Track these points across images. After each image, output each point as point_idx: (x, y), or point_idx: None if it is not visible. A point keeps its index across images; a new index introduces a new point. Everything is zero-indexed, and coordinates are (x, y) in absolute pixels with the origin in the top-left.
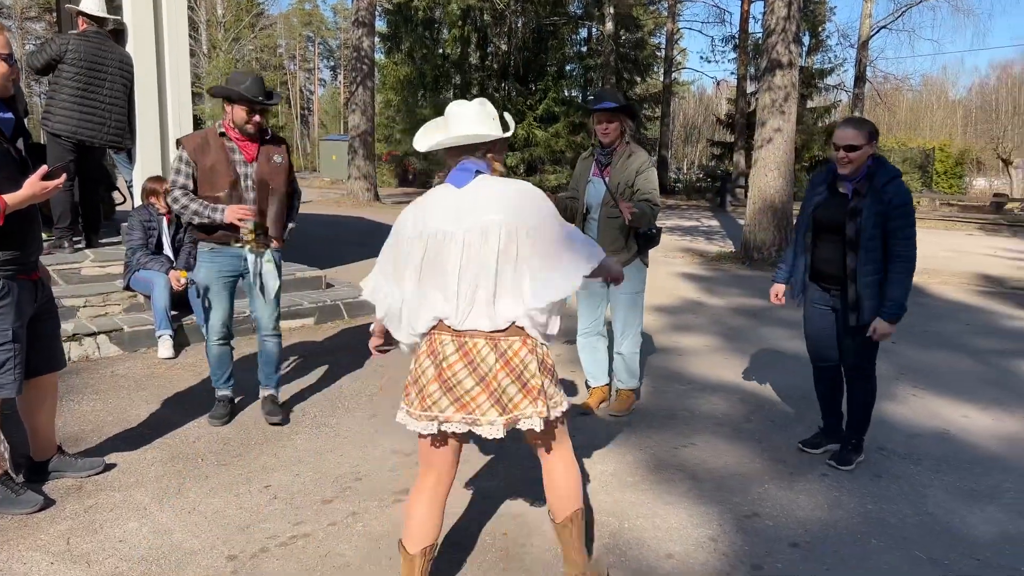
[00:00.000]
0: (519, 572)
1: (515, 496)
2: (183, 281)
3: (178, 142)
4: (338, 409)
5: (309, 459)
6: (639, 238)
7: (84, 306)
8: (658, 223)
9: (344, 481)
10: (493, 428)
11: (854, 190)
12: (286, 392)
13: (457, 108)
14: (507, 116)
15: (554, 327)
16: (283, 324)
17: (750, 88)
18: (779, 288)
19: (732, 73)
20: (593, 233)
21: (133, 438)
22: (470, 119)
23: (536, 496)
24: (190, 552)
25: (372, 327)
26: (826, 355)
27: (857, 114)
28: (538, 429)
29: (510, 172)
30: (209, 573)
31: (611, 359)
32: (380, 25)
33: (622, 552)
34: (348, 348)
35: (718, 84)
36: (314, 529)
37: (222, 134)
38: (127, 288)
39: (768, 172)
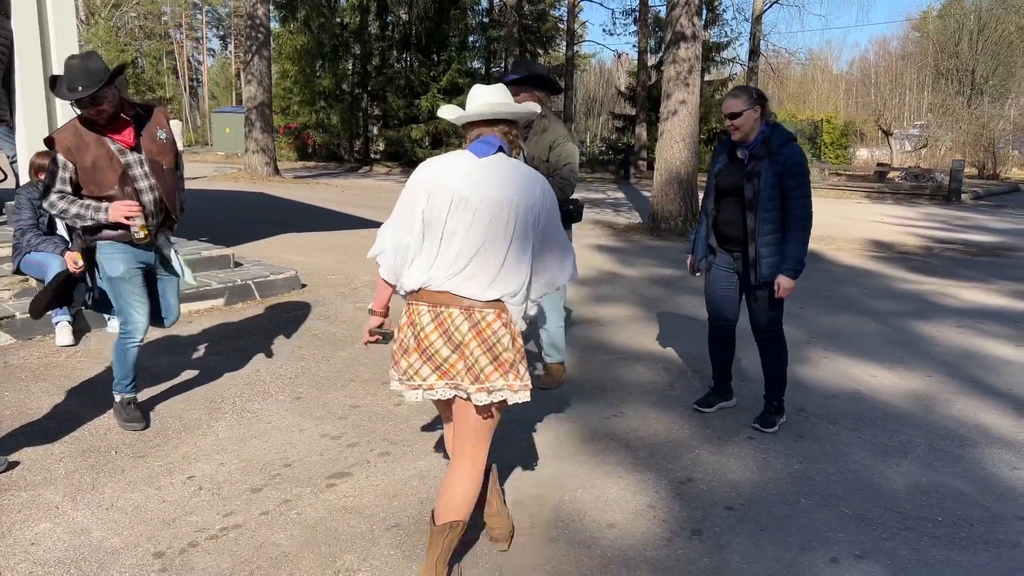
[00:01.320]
0: (463, 551)
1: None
2: (81, 263)
3: (47, 140)
4: (258, 394)
5: (232, 447)
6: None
7: None
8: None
9: (272, 468)
10: (478, 396)
11: (750, 154)
12: (202, 378)
13: (480, 88)
14: (532, 104)
15: (532, 310)
16: (192, 306)
17: (651, 61)
18: (694, 258)
19: (633, 46)
20: None
21: (36, 432)
22: (496, 94)
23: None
24: (112, 551)
25: (372, 305)
26: (724, 315)
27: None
28: (512, 402)
29: (414, 145)
30: (135, 572)
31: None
32: None
33: (565, 525)
34: (262, 329)
35: (619, 57)
36: (245, 519)
37: (88, 122)
38: (17, 272)
39: (674, 144)
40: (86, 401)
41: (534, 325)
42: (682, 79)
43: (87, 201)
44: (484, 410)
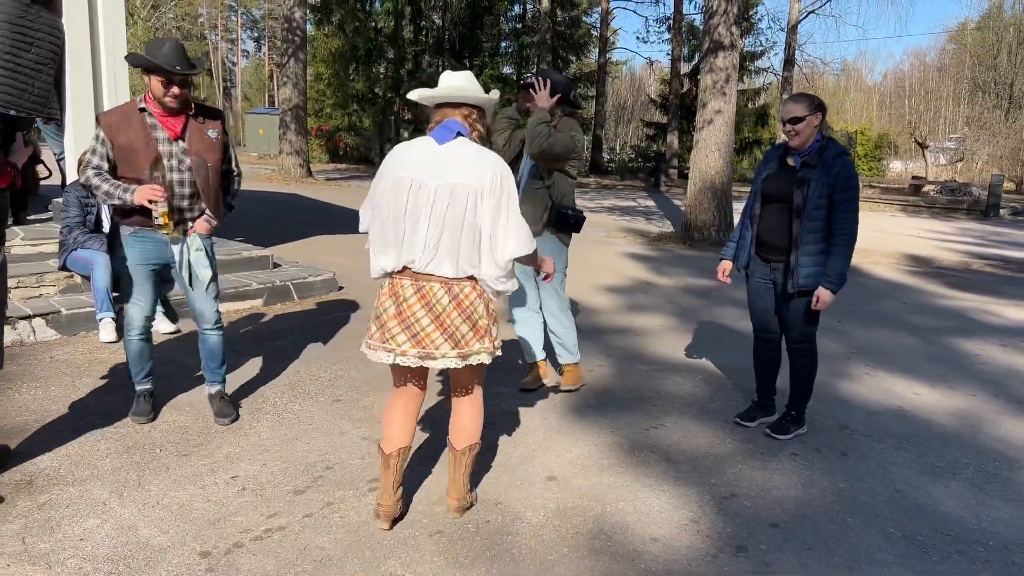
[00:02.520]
0: (507, 561)
1: (493, 483)
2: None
3: (97, 118)
4: (299, 395)
5: (275, 448)
6: (558, 217)
7: (16, 287)
8: (595, 203)
9: (314, 470)
10: (448, 360)
11: (803, 162)
12: (241, 377)
13: (447, 73)
14: (494, 91)
15: (504, 287)
16: (231, 306)
17: (684, 69)
18: (726, 265)
19: (666, 54)
20: None
21: (82, 428)
22: (459, 79)
23: (514, 483)
24: (159, 549)
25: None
26: (768, 327)
27: (786, 97)
28: (487, 362)
29: None
30: (182, 571)
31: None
32: None
33: (608, 537)
34: (301, 330)
35: (651, 64)
36: (289, 521)
37: (143, 109)
38: (63, 268)
39: (709, 154)
40: (129, 397)
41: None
42: (719, 88)
43: (117, 181)
44: (469, 368)
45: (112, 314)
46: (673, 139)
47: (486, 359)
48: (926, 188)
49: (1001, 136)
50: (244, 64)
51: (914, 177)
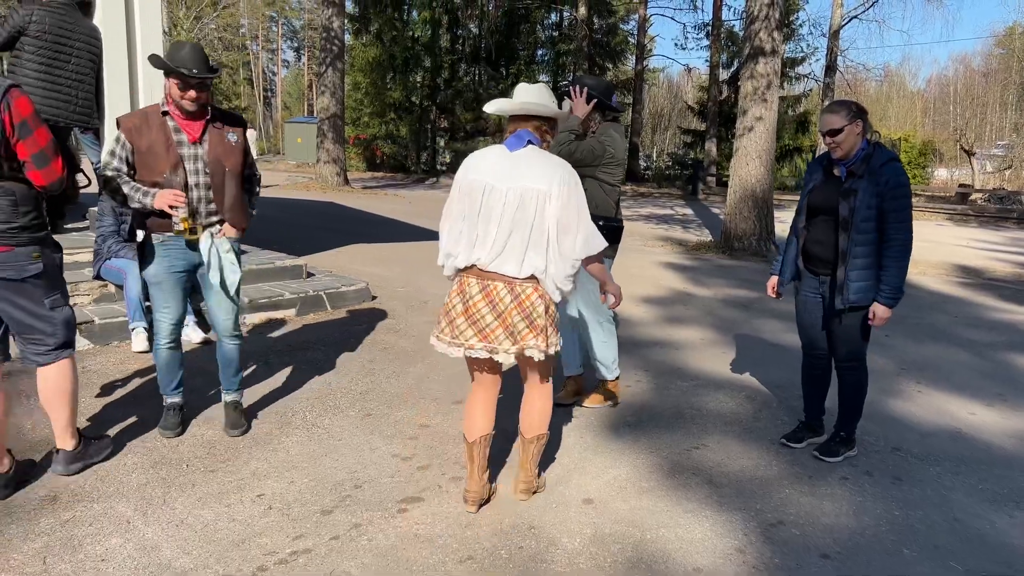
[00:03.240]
0: None
1: (527, 505)
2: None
3: (117, 121)
4: (329, 408)
5: (303, 464)
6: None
7: None
8: (632, 211)
9: (343, 489)
10: (507, 355)
11: (848, 171)
12: (271, 389)
13: (523, 85)
14: (565, 103)
15: (566, 287)
16: (263, 315)
17: (723, 75)
18: (774, 281)
19: (705, 61)
20: None
21: (111, 441)
22: (532, 94)
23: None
24: (181, 572)
25: None
26: (817, 344)
27: (827, 104)
28: (536, 359)
29: None
30: None
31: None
32: (348, 5)
33: (648, 566)
34: (333, 341)
35: (688, 71)
36: (315, 544)
37: (164, 112)
38: (97, 277)
39: (749, 161)
40: (159, 410)
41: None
42: (759, 95)
43: (137, 184)
44: (532, 362)
45: (145, 323)
46: (711, 146)
47: (536, 354)
48: (973, 196)
49: None
50: (284, 74)
51: (961, 185)
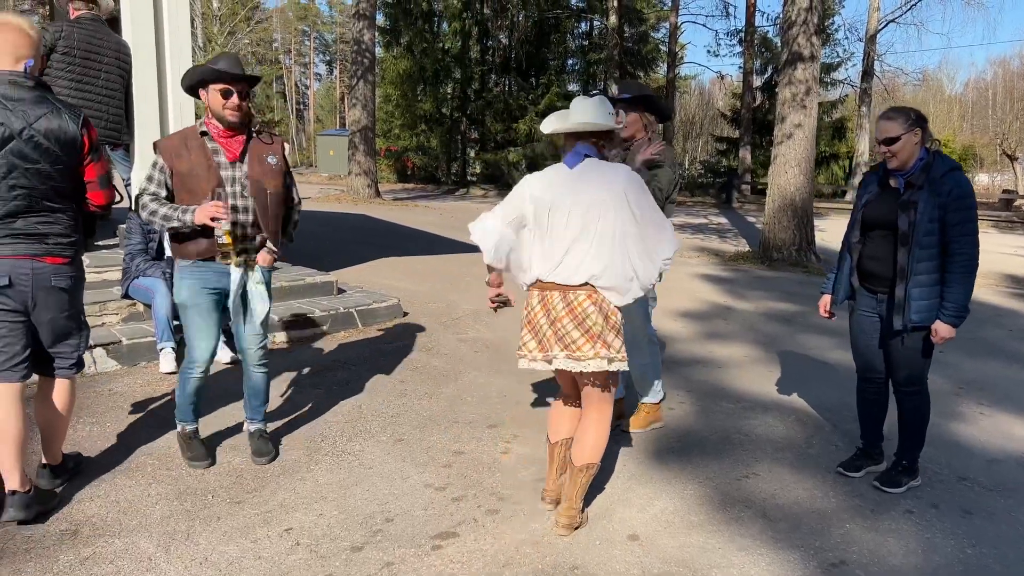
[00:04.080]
0: None
1: (569, 542)
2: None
3: (155, 145)
4: (359, 433)
5: (332, 495)
6: None
7: None
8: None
9: (373, 523)
10: (558, 362)
11: (906, 182)
12: (300, 412)
13: (579, 102)
14: (621, 113)
15: (630, 296)
16: (293, 334)
17: (756, 82)
18: (826, 299)
19: (739, 68)
20: None
21: (136, 469)
22: (588, 111)
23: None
24: None
25: (488, 279)
26: (874, 366)
27: (864, 110)
28: (591, 370)
29: (511, 168)
30: None
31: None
32: (378, 18)
33: None
34: (363, 361)
35: (721, 79)
36: None
37: (204, 133)
38: (125, 296)
39: (788, 169)
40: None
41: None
42: (798, 101)
43: (175, 204)
44: (593, 375)
45: (173, 343)
46: (745, 154)
47: (594, 365)
48: (1018, 202)
49: None
50: (316, 87)
51: (1005, 191)
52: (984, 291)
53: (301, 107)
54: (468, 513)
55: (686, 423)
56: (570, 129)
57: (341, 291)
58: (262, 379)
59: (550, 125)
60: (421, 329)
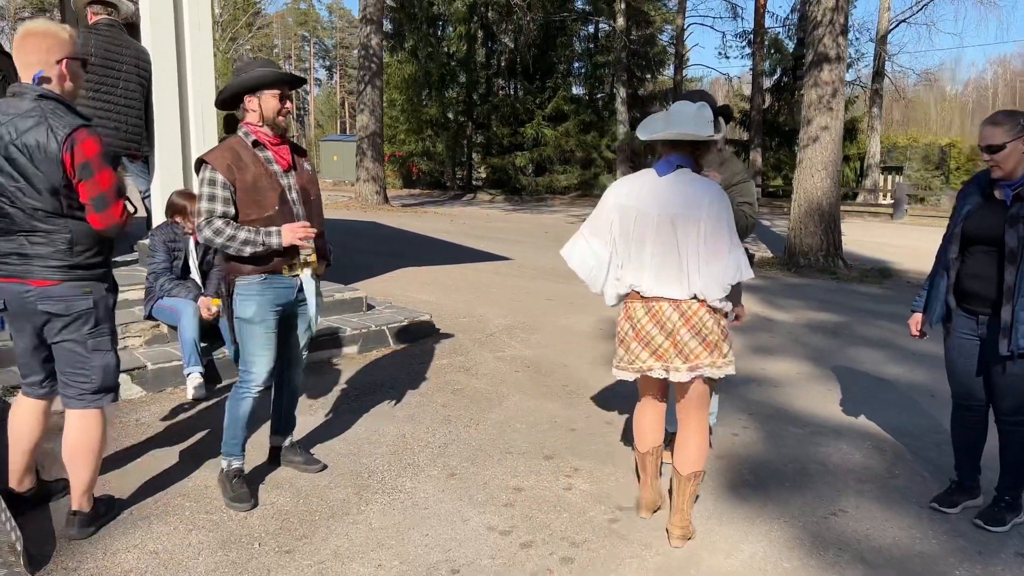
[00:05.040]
0: None
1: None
2: (214, 309)
3: (200, 162)
4: (407, 466)
5: (390, 541)
6: None
7: None
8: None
9: (439, 574)
10: (680, 374)
11: (1015, 195)
12: (341, 442)
13: (679, 107)
14: (722, 122)
15: (717, 305)
16: (325, 354)
17: (766, 84)
18: (917, 318)
19: (748, 69)
20: None
21: (172, 512)
22: (686, 119)
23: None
24: None
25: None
26: (973, 394)
27: (875, 111)
28: (716, 376)
29: (518, 172)
30: None
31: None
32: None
33: None
34: (401, 383)
35: (729, 80)
36: None
37: (255, 143)
38: (149, 317)
39: (815, 173)
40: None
41: None
42: (825, 103)
43: (250, 226)
44: (698, 382)
45: (201, 368)
46: (755, 156)
47: (714, 372)
48: None
49: None
50: (317, 92)
51: None
52: None
53: (302, 113)
54: (541, 562)
55: (756, 451)
56: (669, 137)
57: (371, 307)
58: (301, 382)
59: (647, 131)
60: (456, 347)
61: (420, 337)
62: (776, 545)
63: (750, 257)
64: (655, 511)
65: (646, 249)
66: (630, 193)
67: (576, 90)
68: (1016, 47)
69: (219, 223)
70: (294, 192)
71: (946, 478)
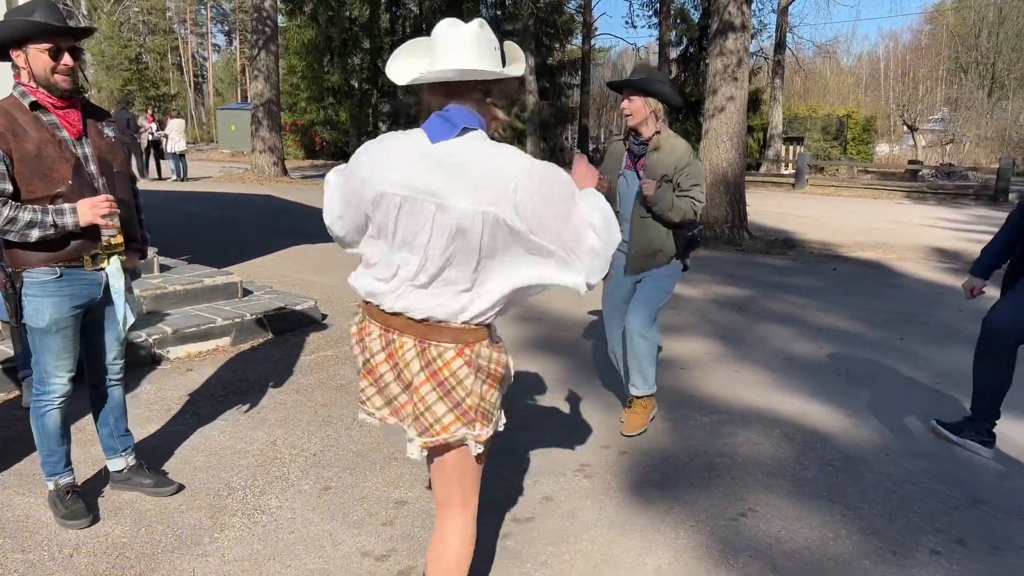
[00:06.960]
0: None
1: None
2: None
3: None
4: (275, 480)
5: (243, 575)
6: (682, 240)
7: None
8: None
9: None
10: (412, 446)
11: None
12: (200, 451)
13: (448, 29)
14: (514, 47)
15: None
16: (190, 348)
17: (673, 54)
18: (978, 284)
19: (655, 39)
20: (625, 235)
21: None
22: (465, 46)
23: None
24: None
25: None
26: None
27: (777, 82)
28: (475, 452)
29: None
30: None
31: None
32: None
33: None
34: (277, 379)
35: (637, 50)
36: None
37: (35, 104)
38: None
39: (721, 144)
40: (30, 492)
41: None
42: (730, 73)
43: (35, 206)
44: (461, 453)
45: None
46: None
47: (474, 448)
48: (922, 172)
49: (985, 117)
50: (215, 59)
51: (910, 162)
52: (917, 266)
53: (199, 80)
54: None
55: (661, 444)
56: (438, 78)
57: (247, 293)
58: (122, 393)
59: (404, 71)
60: (344, 335)
61: (303, 325)
62: (683, 555)
63: (697, 243)
64: None
65: (414, 254)
66: (391, 172)
67: None
68: (904, 21)
69: None
70: (92, 164)
71: (858, 467)
